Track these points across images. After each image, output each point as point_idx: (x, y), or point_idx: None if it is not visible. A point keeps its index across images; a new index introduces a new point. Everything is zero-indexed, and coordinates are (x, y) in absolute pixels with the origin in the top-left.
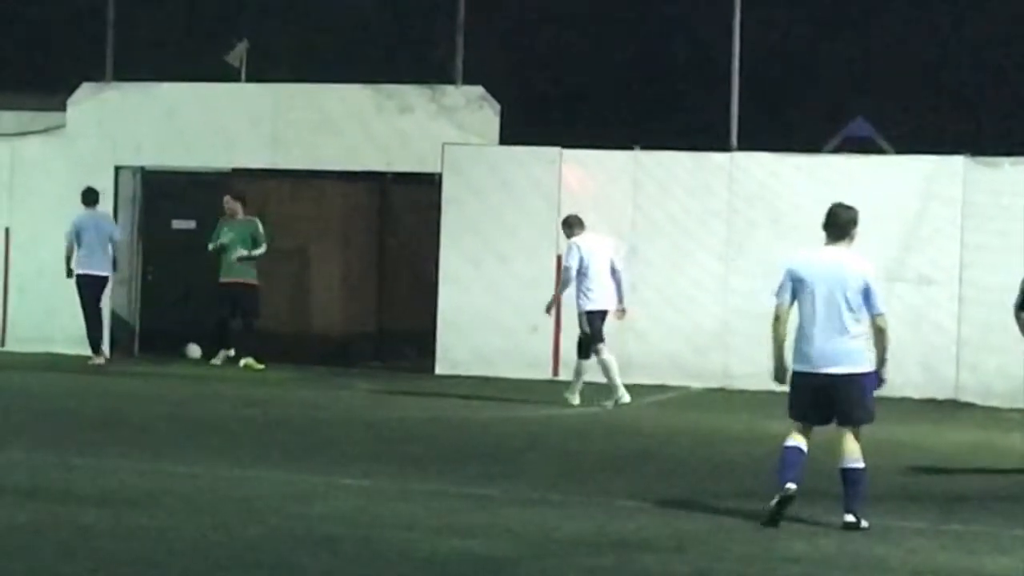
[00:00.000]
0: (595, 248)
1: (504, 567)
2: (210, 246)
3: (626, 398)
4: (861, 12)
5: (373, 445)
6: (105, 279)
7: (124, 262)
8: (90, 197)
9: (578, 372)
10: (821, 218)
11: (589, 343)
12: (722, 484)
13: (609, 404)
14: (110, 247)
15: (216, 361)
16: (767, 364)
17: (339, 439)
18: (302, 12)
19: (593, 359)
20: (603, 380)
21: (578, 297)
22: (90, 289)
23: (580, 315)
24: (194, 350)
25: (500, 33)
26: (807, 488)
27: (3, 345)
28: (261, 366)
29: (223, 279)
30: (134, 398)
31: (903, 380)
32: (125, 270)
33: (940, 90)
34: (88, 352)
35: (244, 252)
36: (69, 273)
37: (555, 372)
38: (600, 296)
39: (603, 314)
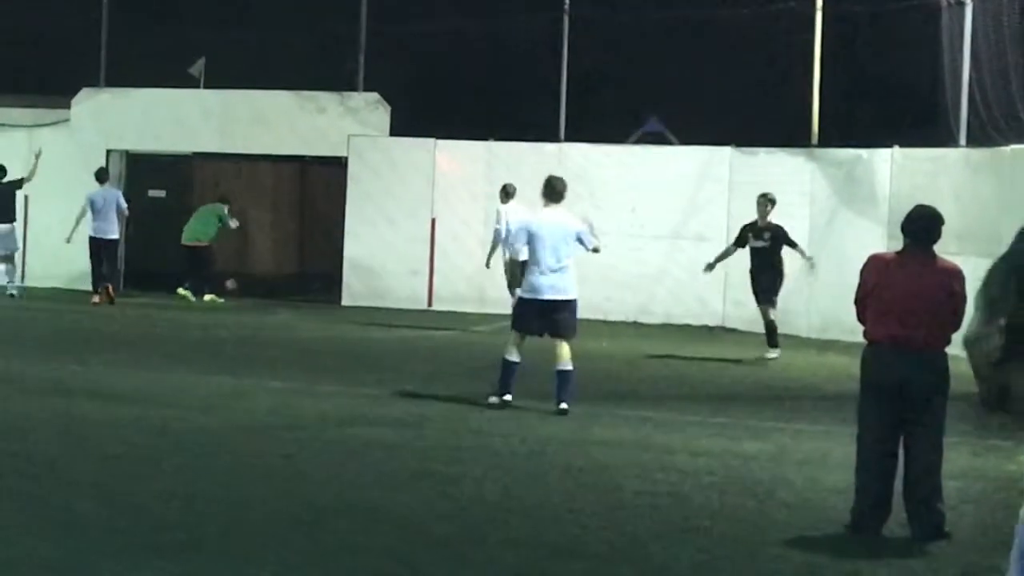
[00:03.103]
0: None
1: (391, 447)
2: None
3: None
4: (654, 40)
5: (294, 357)
6: (114, 241)
7: None
8: (102, 175)
9: None
10: (626, 192)
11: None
12: (549, 386)
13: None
14: (115, 214)
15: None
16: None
17: (269, 352)
18: (247, 37)
19: None
20: (466, 311)
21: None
22: (101, 249)
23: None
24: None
25: (392, 52)
26: (610, 390)
27: (23, 281)
28: (222, 300)
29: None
30: (118, 322)
31: (684, 311)
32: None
33: (712, 95)
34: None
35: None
36: (70, 239)
37: (429, 304)
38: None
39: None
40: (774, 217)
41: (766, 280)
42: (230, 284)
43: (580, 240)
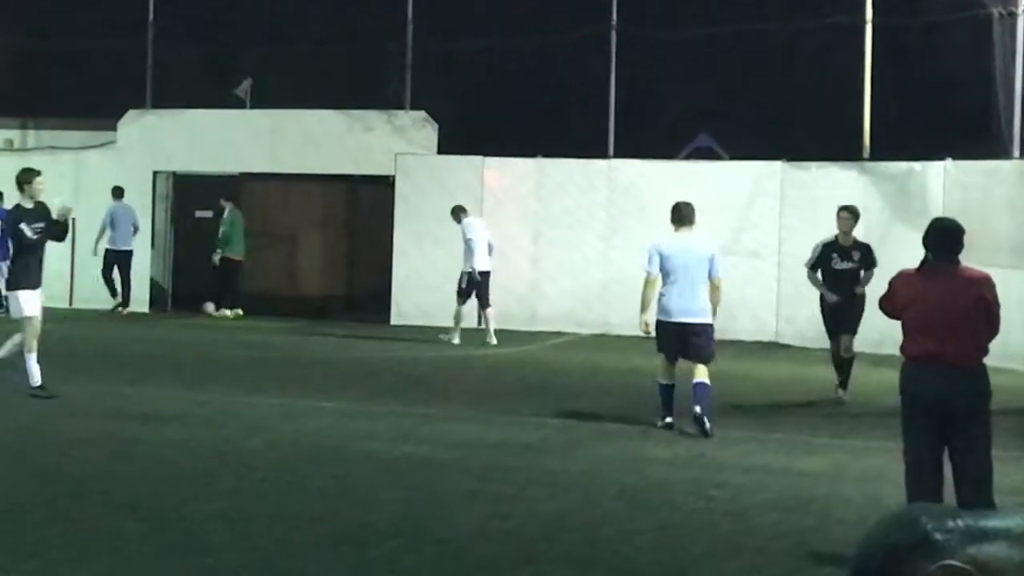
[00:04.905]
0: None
1: (442, 467)
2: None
3: (456, 341)
4: (704, 55)
5: (343, 377)
6: (129, 252)
7: (160, 240)
8: (118, 192)
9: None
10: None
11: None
12: (602, 404)
13: (444, 338)
14: (130, 229)
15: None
16: (635, 316)
17: (318, 372)
18: (293, 57)
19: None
20: (515, 328)
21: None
22: (119, 259)
23: (463, 274)
24: (209, 306)
25: (438, 70)
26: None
27: (71, 303)
28: (240, 312)
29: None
30: (167, 343)
31: (736, 327)
32: (161, 246)
33: (762, 110)
34: (110, 306)
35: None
36: (95, 251)
37: (479, 323)
38: (482, 261)
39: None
40: (820, 232)
41: (855, 306)
42: (209, 308)
43: (710, 265)
